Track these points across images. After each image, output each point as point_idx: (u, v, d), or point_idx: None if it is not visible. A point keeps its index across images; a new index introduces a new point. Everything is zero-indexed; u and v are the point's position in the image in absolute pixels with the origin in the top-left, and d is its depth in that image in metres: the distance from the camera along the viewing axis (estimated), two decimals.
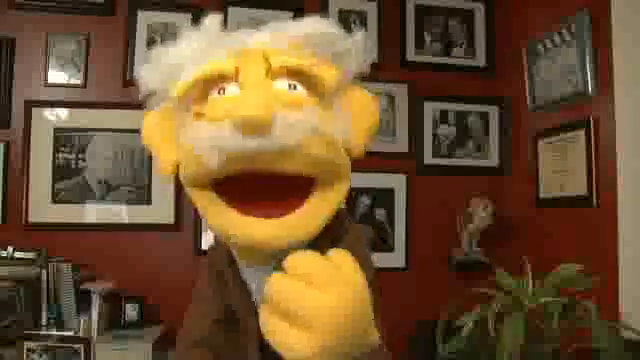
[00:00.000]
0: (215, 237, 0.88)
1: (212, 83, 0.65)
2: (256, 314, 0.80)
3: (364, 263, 0.62)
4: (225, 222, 0.65)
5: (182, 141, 0.68)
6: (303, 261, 0.54)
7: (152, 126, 0.73)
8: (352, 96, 0.72)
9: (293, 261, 0.54)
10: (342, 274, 0.53)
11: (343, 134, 0.68)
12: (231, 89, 0.65)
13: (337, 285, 0.52)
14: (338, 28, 0.69)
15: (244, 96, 0.62)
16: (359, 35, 0.70)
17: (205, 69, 0.64)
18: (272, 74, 0.64)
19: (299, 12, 2.29)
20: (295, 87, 0.65)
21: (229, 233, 0.65)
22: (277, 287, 0.52)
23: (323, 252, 0.58)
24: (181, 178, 0.69)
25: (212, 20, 0.69)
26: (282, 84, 0.65)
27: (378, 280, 0.77)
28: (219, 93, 0.65)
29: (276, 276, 0.53)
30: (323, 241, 0.67)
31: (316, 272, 0.52)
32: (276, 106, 0.60)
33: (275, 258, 0.66)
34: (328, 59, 0.67)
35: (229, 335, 0.87)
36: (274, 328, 0.52)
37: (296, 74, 0.65)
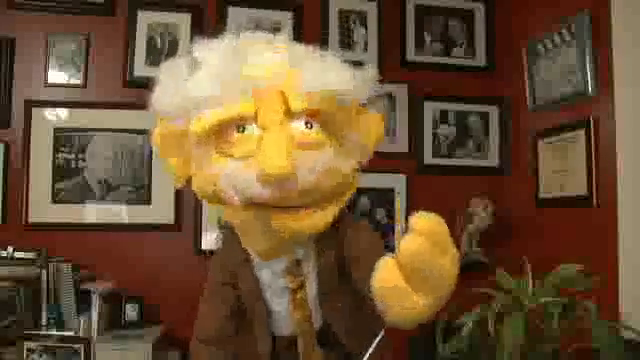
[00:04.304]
0: (226, 239, 0.97)
1: (232, 122, 0.73)
2: (265, 303, 0.91)
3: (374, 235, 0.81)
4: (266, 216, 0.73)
5: (203, 172, 0.76)
6: (432, 223, 0.60)
7: (164, 140, 0.81)
8: (361, 118, 0.82)
9: (421, 221, 0.60)
10: (450, 240, 0.61)
11: (355, 159, 0.80)
12: (251, 128, 0.72)
13: (452, 251, 0.60)
14: (350, 71, 0.76)
15: (268, 149, 0.67)
16: (368, 68, 0.79)
17: (227, 112, 0.71)
18: (290, 114, 0.71)
19: (299, 12, 2.29)
20: (311, 126, 0.73)
21: (273, 224, 0.73)
22: (413, 248, 0.56)
23: (328, 237, 0.76)
24: (199, 196, 0.82)
25: (227, 48, 0.76)
26: (299, 124, 0.73)
27: None
28: (239, 130, 0.72)
29: (411, 237, 0.57)
30: (329, 230, 0.79)
31: (442, 237, 0.59)
32: (295, 151, 0.67)
33: (289, 253, 0.80)
34: (342, 99, 0.75)
35: (240, 324, 0.96)
36: (396, 284, 0.57)
37: (312, 113, 0.73)
